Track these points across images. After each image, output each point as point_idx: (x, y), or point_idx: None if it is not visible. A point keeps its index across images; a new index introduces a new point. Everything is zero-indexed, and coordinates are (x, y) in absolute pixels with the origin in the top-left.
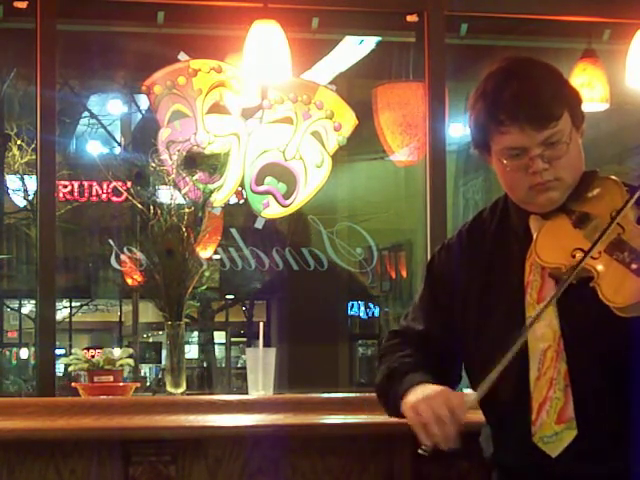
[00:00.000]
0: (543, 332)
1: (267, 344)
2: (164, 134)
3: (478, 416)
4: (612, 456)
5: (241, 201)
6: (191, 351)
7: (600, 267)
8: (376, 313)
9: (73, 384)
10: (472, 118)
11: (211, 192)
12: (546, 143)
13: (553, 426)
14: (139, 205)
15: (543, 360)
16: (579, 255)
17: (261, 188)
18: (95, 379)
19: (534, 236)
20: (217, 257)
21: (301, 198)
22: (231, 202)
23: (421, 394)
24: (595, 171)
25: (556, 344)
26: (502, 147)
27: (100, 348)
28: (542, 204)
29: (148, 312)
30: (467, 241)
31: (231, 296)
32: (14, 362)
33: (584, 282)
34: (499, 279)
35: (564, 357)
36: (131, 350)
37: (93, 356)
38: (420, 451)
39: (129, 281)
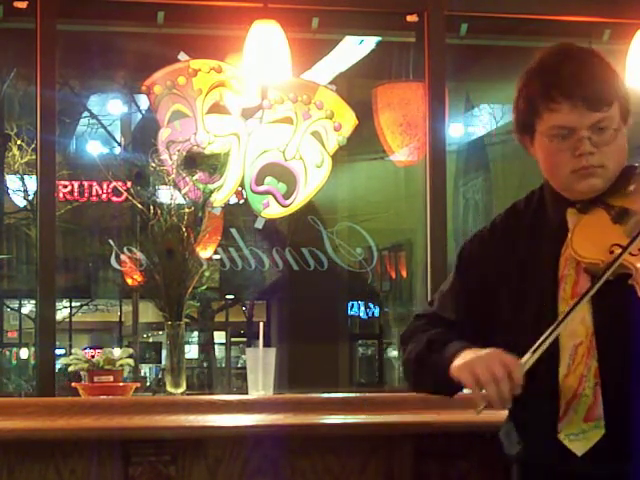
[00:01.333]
0: (575, 328)
1: (267, 344)
2: (164, 134)
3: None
4: (637, 456)
5: (241, 201)
6: (191, 351)
7: (639, 264)
8: (376, 313)
9: (73, 384)
10: (522, 96)
11: (211, 192)
12: (595, 127)
13: (580, 424)
14: (139, 205)
15: (574, 356)
16: (617, 251)
17: (261, 188)
18: (95, 379)
19: (570, 230)
20: (217, 257)
21: (301, 198)
22: (231, 202)
23: (474, 354)
24: (635, 166)
25: (588, 341)
26: (551, 125)
27: (100, 348)
28: (583, 190)
29: (148, 312)
30: (501, 232)
31: (231, 296)
32: (14, 362)
33: (621, 279)
34: (532, 271)
35: (595, 354)
36: (131, 350)
37: (93, 356)
38: (476, 412)
39: (129, 281)
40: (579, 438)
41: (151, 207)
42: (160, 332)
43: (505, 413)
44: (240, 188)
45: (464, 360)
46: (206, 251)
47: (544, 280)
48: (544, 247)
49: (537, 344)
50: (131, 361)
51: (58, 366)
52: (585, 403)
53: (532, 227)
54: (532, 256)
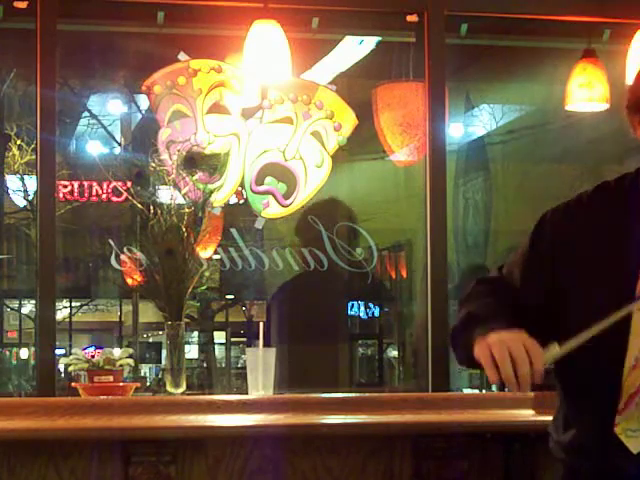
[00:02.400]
0: None
1: (267, 344)
2: (164, 134)
3: (476, 416)
4: None
5: (241, 201)
6: (191, 351)
7: None
8: (376, 313)
9: (73, 384)
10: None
11: (211, 192)
12: None
13: None
14: (139, 205)
15: None
16: None
17: (261, 188)
18: (95, 379)
19: None
20: (217, 257)
21: (301, 198)
22: (231, 202)
23: (497, 336)
24: None
25: None
26: None
27: (100, 348)
28: None
29: (148, 312)
30: (587, 206)
31: (231, 296)
32: (14, 362)
33: None
34: (615, 250)
35: None
36: (131, 350)
37: (93, 356)
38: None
39: (129, 281)
40: (637, 435)
41: (151, 207)
42: (160, 332)
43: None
44: (240, 188)
45: (485, 340)
46: (206, 251)
47: (626, 260)
48: (631, 226)
49: (571, 340)
50: (131, 361)
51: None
52: None
53: (621, 205)
54: (617, 234)
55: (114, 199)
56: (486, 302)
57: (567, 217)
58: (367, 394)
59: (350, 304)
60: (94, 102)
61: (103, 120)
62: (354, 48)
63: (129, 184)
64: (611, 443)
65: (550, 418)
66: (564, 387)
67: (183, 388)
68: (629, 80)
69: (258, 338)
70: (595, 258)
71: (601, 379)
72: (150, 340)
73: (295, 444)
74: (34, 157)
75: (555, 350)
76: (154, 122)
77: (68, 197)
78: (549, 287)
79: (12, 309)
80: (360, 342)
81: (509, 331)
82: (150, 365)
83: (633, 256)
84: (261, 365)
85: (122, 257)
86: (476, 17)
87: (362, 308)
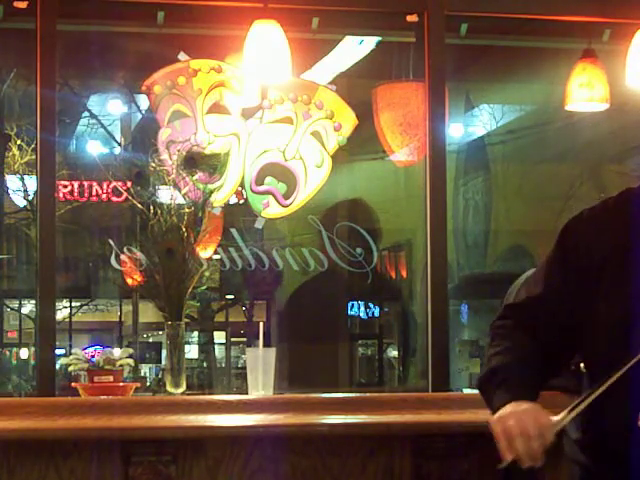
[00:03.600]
0: None
1: (267, 344)
2: (164, 134)
3: (476, 416)
4: None
5: (241, 201)
6: (191, 351)
7: None
8: (376, 313)
9: (73, 384)
10: None
11: (211, 192)
12: None
13: None
14: (139, 205)
15: None
16: None
17: (261, 188)
18: (95, 379)
19: None
20: (217, 257)
21: (301, 198)
22: (231, 202)
23: (511, 409)
24: None
25: None
26: None
27: (101, 346)
28: None
29: (148, 312)
30: (613, 212)
31: (231, 296)
32: (14, 362)
33: None
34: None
35: None
36: (131, 350)
37: (93, 356)
38: (500, 466)
39: (129, 281)
40: None
41: (151, 207)
42: (160, 332)
43: None
44: (240, 188)
45: (500, 413)
46: (206, 251)
47: None
48: None
49: (575, 404)
50: (131, 361)
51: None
52: None
53: None
54: None
55: (114, 199)
56: (509, 347)
57: (591, 221)
58: (367, 394)
59: (350, 304)
60: (94, 102)
61: (103, 120)
62: (354, 48)
63: (129, 184)
64: (635, 441)
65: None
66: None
67: (183, 388)
68: (629, 80)
69: (258, 338)
70: (622, 263)
71: (623, 378)
72: (150, 340)
73: (295, 444)
74: (34, 157)
75: (565, 417)
76: (154, 122)
77: (68, 197)
78: (577, 294)
79: (12, 309)
80: (360, 342)
81: (525, 404)
82: (150, 365)
83: None
84: (261, 365)
85: (122, 257)
86: (476, 17)
87: (362, 308)
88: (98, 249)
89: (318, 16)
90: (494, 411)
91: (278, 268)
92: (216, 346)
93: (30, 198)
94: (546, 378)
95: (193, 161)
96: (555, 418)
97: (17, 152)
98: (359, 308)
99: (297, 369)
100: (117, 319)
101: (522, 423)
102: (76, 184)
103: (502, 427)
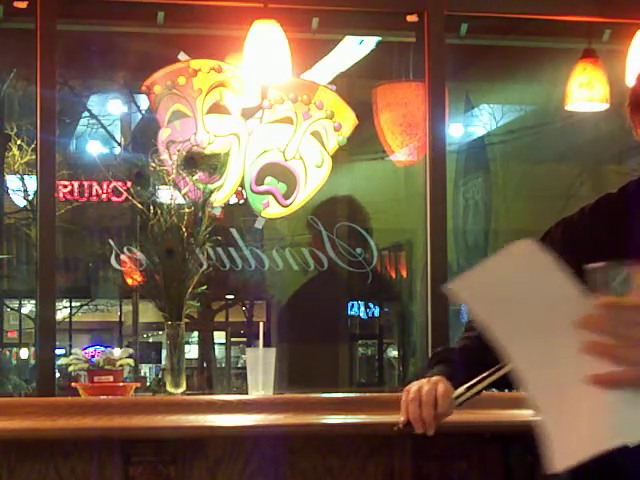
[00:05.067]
0: None
1: (267, 344)
2: (164, 134)
3: (476, 416)
4: None
5: (241, 201)
6: (191, 351)
7: None
8: (376, 313)
9: (73, 384)
10: None
11: (211, 192)
12: None
13: None
14: (139, 205)
15: None
16: None
17: (261, 188)
18: (95, 379)
19: None
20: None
21: (301, 198)
22: (231, 202)
23: (419, 381)
24: None
25: None
26: None
27: (109, 347)
28: None
29: (148, 312)
30: (590, 220)
31: (231, 296)
32: (14, 362)
33: None
34: (619, 258)
35: None
36: (131, 350)
37: (93, 356)
38: (395, 427)
39: (129, 281)
40: None
41: (151, 207)
42: (160, 332)
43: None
44: (240, 188)
45: (409, 386)
46: (206, 251)
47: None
48: (635, 237)
49: (472, 382)
50: (131, 361)
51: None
52: None
53: (625, 216)
54: (621, 245)
55: (114, 199)
56: (463, 337)
57: (569, 232)
58: (367, 394)
59: (350, 304)
60: (94, 102)
61: (103, 120)
62: (354, 48)
63: (129, 184)
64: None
65: None
66: None
67: (183, 388)
68: (629, 80)
69: (258, 338)
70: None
71: None
72: (150, 340)
73: (295, 444)
74: (34, 157)
75: (464, 393)
76: (154, 122)
77: (68, 197)
78: None
79: (12, 309)
80: (360, 342)
81: (436, 377)
82: (150, 365)
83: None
84: (261, 365)
85: (122, 257)
86: (476, 17)
87: (362, 308)
88: (98, 249)
89: (318, 16)
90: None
91: (278, 268)
92: (216, 346)
93: (30, 198)
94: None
95: (193, 161)
96: (456, 392)
97: (17, 152)
98: (359, 308)
99: (297, 369)
100: (117, 319)
101: (419, 391)
102: (76, 184)
103: (405, 393)
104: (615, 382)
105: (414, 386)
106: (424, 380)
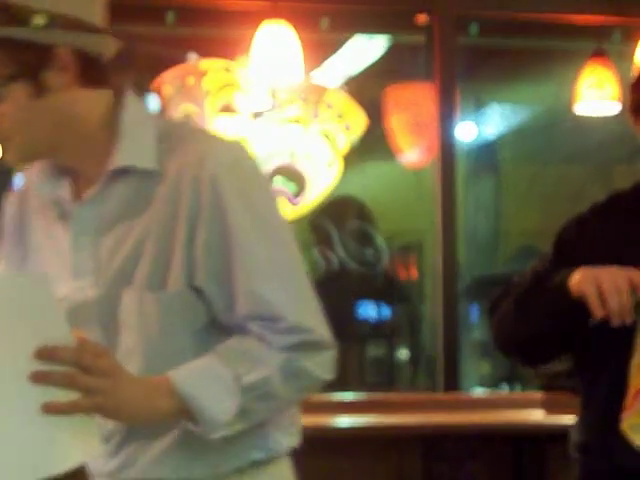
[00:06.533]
0: None
1: None
2: None
3: (487, 417)
4: None
5: None
6: None
7: None
8: (386, 314)
9: None
10: None
11: None
12: None
13: None
14: None
15: None
16: None
17: None
18: None
19: None
20: None
21: (311, 198)
22: None
23: (595, 269)
24: None
25: None
26: None
27: None
28: None
29: None
30: (601, 216)
31: None
32: None
33: None
34: (631, 257)
35: None
36: None
37: None
38: (591, 323)
39: None
40: None
41: None
42: None
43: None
44: None
45: (585, 273)
46: None
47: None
48: None
49: None
50: None
51: None
52: None
53: (636, 212)
54: (632, 240)
55: None
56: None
57: (581, 229)
58: (377, 395)
59: (360, 305)
60: None
61: None
62: (365, 49)
63: None
64: (617, 441)
65: (560, 419)
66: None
67: None
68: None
69: None
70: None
71: (608, 377)
72: None
73: (304, 445)
74: None
75: None
76: None
77: None
78: None
79: None
80: (370, 343)
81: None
82: None
83: None
84: None
85: None
86: (487, 18)
87: (372, 309)
88: None
89: (328, 16)
90: (562, 284)
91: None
92: None
93: None
94: None
95: None
96: None
97: None
98: (369, 308)
99: None
100: None
101: (615, 278)
102: None
103: (596, 285)
104: (63, 409)
105: (601, 275)
106: (598, 268)
